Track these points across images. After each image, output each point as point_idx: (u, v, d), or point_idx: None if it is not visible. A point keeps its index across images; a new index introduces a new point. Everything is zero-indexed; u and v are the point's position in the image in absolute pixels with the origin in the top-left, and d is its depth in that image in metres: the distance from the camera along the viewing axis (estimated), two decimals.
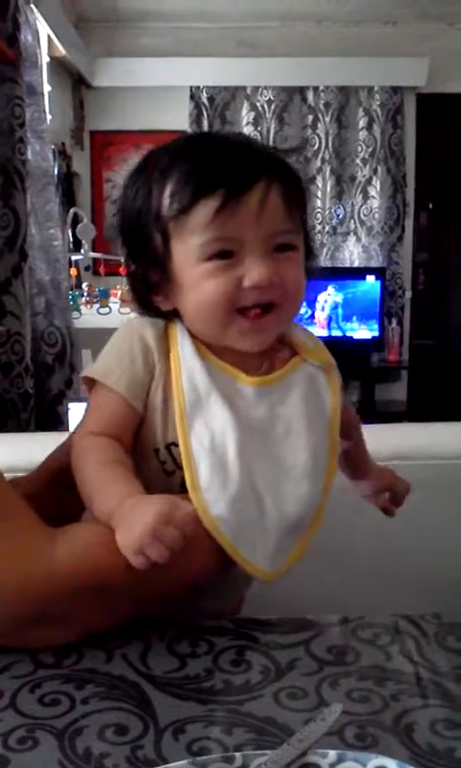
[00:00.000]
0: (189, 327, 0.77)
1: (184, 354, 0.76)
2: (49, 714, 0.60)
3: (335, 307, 4.28)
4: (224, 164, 0.72)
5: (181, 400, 0.75)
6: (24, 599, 0.67)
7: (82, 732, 0.58)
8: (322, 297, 4.27)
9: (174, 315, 0.78)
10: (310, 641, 0.71)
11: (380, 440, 1.25)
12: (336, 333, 4.28)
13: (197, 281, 0.73)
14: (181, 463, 0.75)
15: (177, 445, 0.75)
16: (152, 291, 0.77)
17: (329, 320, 4.28)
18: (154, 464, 0.77)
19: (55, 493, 0.80)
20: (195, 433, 0.74)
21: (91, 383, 0.78)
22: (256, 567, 0.73)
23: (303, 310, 4.16)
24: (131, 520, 0.65)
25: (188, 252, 0.73)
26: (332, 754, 0.52)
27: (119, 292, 3.19)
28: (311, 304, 4.23)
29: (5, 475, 0.83)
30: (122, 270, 0.84)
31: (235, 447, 0.73)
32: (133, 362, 0.76)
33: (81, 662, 0.68)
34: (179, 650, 0.70)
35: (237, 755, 0.52)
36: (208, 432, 0.74)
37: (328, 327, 4.29)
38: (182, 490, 0.75)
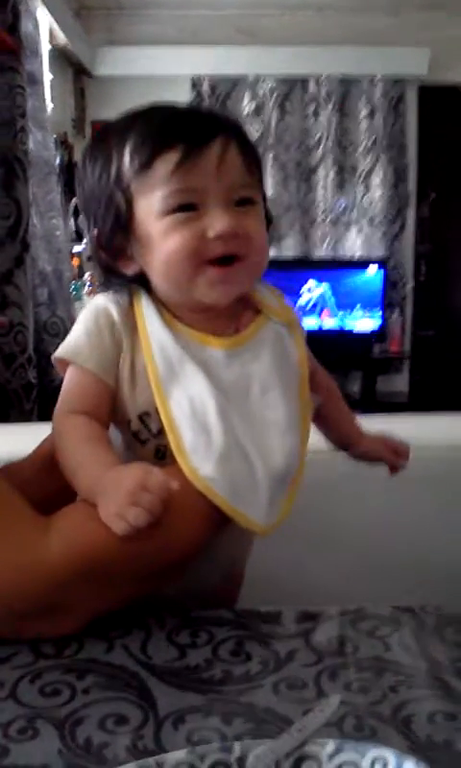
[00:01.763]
0: (156, 288, 0.79)
1: (152, 326, 0.78)
2: (49, 704, 0.60)
3: (335, 297, 4.27)
4: (181, 121, 0.76)
5: (154, 371, 0.76)
6: (23, 593, 0.67)
7: (82, 721, 0.58)
8: (319, 287, 4.26)
9: (139, 282, 0.79)
10: (310, 633, 0.72)
11: (384, 430, 1.25)
12: (337, 324, 4.28)
13: (162, 236, 0.74)
14: (156, 431, 0.77)
15: (148, 414, 0.77)
16: (116, 257, 0.79)
17: (321, 309, 4.27)
18: (127, 434, 0.79)
19: (50, 477, 0.80)
20: (174, 401, 0.75)
21: (63, 364, 0.79)
22: (253, 521, 0.74)
23: (303, 301, 4.16)
24: (108, 491, 0.67)
25: (151, 207, 0.74)
26: (331, 743, 0.52)
27: None
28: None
29: (3, 466, 0.83)
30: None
31: (215, 409, 0.75)
32: (101, 339, 0.77)
33: (81, 652, 0.68)
34: (179, 640, 0.70)
35: (236, 744, 0.53)
36: (187, 398, 0.75)
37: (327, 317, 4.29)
38: (157, 457, 0.78)
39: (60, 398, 0.79)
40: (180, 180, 0.73)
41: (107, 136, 0.78)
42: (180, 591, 0.79)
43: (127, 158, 0.74)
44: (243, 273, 0.76)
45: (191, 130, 0.74)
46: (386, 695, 0.62)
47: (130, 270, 0.79)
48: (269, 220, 0.81)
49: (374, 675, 0.65)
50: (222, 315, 0.79)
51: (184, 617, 0.74)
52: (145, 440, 0.78)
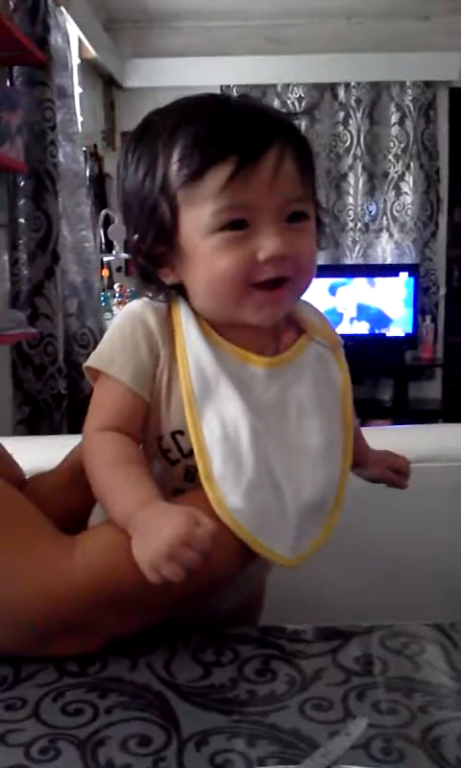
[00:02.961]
0: (197, 303, 0.74)
1: (190, 338, 0.73)
2: (72, 724, 0.59)
3: (366, 303, 4.24)
4: (235, 128, 0.68)
5: (189, 388, 0.72)
6: (46, 614, 0.67)
7: (104, 742, 0.57)
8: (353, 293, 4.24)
9: (177, 290, 0.75)
10: (337, 651, 0.70)
11: (414, 440, 1.24)
12: (368, 331, 4.25)
13: (208, 255, 0.69)
14: (187, 451, 0.73)
15: (182, 433, 0.73)
16: (157, 265, 0.74)
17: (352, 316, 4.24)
18: (156, 452, 0.75)
19: (76, 491, 0.79)
20: (206, 421, 0.71)
21: (94, 373, 0.75)
22: (278, 555, 0.71)
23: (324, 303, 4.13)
24: (148, 533, 0.63)
25: (198, 222, 0.69)
26: None
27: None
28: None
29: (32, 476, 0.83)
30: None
31: (249, 434, 0.71)
32: (137, 349, 0.73)
33: (105, 670, 0.67)
34: (203, 658, 0.69)
35: None
36: (220, 419, 0.71)
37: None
38: (187, 479, 0.74)
39: (90, 411, 0.74)
40: (231, 195, 0.67)
41: (153, 131, 0.72)
42: (202, 612, 0.77)
43: (175, 165, 0.69)
44: (290, 294, 0.73)
45: (246, 137, 0.68)
46: (415, 716, 0.60)
47: (169, 279, 0.74)
48: (320, 228, 0.76)
49: (403, 695, 0.63)
50: (263, 331, 0.75)
51: (209, 635, 0.73)
52: (176, 460, 0.75)
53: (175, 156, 0.69)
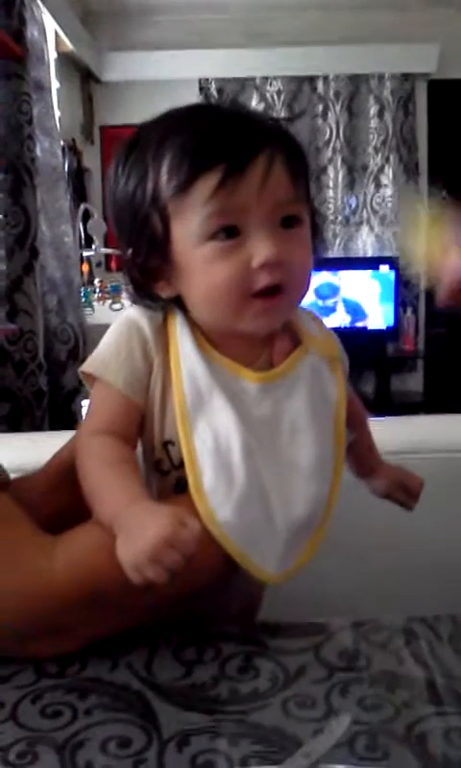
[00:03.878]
0: (195, 314, 0.74)
1: (184, 349, 0.73)
2: (50, 726, 0.58)
3: (347, 295, 4.24)
4: (223, 137, 0.68)
5: (181, 399, 0.72)
6: (25, 614, 0.66)
7: (84, 744, 0.56)
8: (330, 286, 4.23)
9: (173, 302, 0.75)
10: (320, 646, 0.69)
11: (395, 432, 1.23)
12: (350, 323, 4.25)
13: (203, 265, 0.69)
14: (178, 462, 0.73)
15: (173, 444, 0.73)
16: (152, 279, 0.74)
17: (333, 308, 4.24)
18: (148, 461, 0.75)
19: (61, 492, 0.78)
20: (197, 433, 0.71)
21: (90, 378, 0.76)
22: (264, 571, 0.71)
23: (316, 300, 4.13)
24: (133, 532, 0.62)
25: (190, 231, 0.69)
26: None
27: None
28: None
29: (16, 475, 0.82)
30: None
31: (240, 447, 0.71)
32: (131, 355, 0.73)
33: (85, 671, 0.66)
34: (185, 656, 0.68)
35: None
36: (211, 432, 0.71)
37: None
38: (177, 490, 0.74)
39: (85, 416, 0.76)
40: (220, 201, 0.67)
41: (142, 143, 0.72)
42: (208, 613, 0.76)
43: (164, 176, 0.69)
44: (287, 302, 0.72)
45: (233, 146, 0.68)
46: (400, 711, 0.60)
47: (165, 293, 0.74)
48: (316, 231, 0.76)
49: (387, 690, 0.63)
50: (257, 343, 0.75)
51: (191, 632, 0.72)
52: (166, 471, 0.75)
53: (164, 168, 0.69)
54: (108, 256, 3.74)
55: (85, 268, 3.48)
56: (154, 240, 0.71)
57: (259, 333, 0.74)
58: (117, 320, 0.77)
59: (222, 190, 0.67)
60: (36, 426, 2.38)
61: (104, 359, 0.74)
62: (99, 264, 3.75)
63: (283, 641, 0.70)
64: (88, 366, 0.75)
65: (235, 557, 0.69)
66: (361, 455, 0.87)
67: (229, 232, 0.68)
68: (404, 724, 0.58)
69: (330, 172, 4.43)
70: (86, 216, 3.52)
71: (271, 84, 4.34)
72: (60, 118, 2.92)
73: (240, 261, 0.68)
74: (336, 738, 0.53)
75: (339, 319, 4.24)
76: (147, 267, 0.73)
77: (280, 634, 0.72)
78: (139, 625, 0.71)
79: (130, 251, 0.73)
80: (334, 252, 4.47)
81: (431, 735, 0.57)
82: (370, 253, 4.50)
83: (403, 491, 0.87)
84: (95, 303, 3.22)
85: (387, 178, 4.41)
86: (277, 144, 0.69)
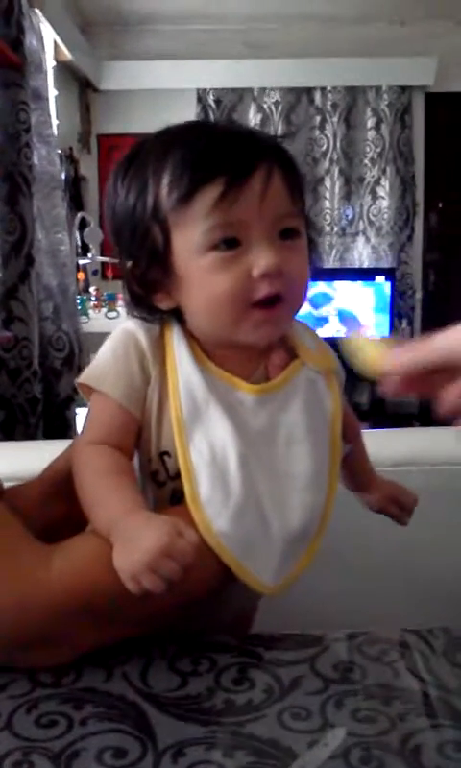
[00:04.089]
0: (194, 325, 0.75)
1: (181, 361, 0.74)
2: (46, 736, 0.58)
3: (342, 307, 4.25)
4: (224, 150, 0.70)
5: (178, 410, 0.72)
6: (21, 623, 0.65)
7: (79, 755, 0.56)
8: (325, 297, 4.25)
9: (171, 314, 0.76)
10: (315, 658, 0.69)
11: (390, 444, 1.24)
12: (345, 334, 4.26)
13: (203, 275, 0.70)
14: (174, 473, 0.73)
15: (170, 455, 0.73)
16: (152, 291, 0.74)
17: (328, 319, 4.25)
18: (144, 472, 0.76)
19: (57, 502, 0.79)
20: (194, 444, 0.72)
21: (87, 389, 0.76)
22: (260, 582, 0.71)
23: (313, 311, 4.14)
24: (130, 542, 0.63)
25: (191, 242, 0.70)
26: None
27: None
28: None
29: (11, 484, 0.81)
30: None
31: (237, 459, 0.71)
32: (129, 366, 0.74)
33: (80, 681, 0.66)
34: (180, 667, 0.68)
35: None
36: (208, 443, 0.72)
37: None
38: (173, 501, 0.74)
39: (83, 426, 0.76)
40: (221, 214, 0.68)
41: (142, 158, 0.73)
42: (202, 622, 0.76)
43: (164, 190, 0.70)
44: (286, 312, 0.73)
45: (232, 160, 0.69)
46: (394, 724, 0.60)
47: (164, 305, 0.75)
48: (311, 244, 0.77)
49: (381, 703, 0.63)
50: (253, 355, 0.76)
51: (186, 643, 0.72)
52: (163, 482, 0.75)
53: (164, 180, 0.70)
54: (104, 264, 3.75)
55: (81, 276, 3.48)
56: (154, 251, 0.72)
57: (258, 344, 0.74)
58: (114, 332, 0.77)
59: (223, 202, 0.68)
60: (30, 434, 2.37)
61: (101, 371, 0.75)
62: (95, 272, 3.76)
63: (278, 653, 0.70)
64: (86, 378, 0.75)
65: (232, 567, 0.69)
66: (355, 469, 0.88)
67: (229, 243, 0.69)
68: (399, 736, 0.58)
69: (327, 183, 4.45)
70: (83, 224, 3.53)
71: (269, 96, 4.36)
72: (57, 126, 2.93)
73: (241, 271, 0.69)
74: (331, 750, 0.53)
75: (333, 329, 4.25)
76: (146, 279, 0.74)
77: (276, 645, 0.72)
78: (135, 635, 0.71)
79: (129, 263, 0.74)
80: (330, 262, 4.49)
81: (426, 748, 0.57)
82: (366, 264, 4.51)
83: (397, 506, 0.88)
84: (91, 311, 3.22)
85: (383, 189, 4.43)
86: (274, 159, 0.71)
